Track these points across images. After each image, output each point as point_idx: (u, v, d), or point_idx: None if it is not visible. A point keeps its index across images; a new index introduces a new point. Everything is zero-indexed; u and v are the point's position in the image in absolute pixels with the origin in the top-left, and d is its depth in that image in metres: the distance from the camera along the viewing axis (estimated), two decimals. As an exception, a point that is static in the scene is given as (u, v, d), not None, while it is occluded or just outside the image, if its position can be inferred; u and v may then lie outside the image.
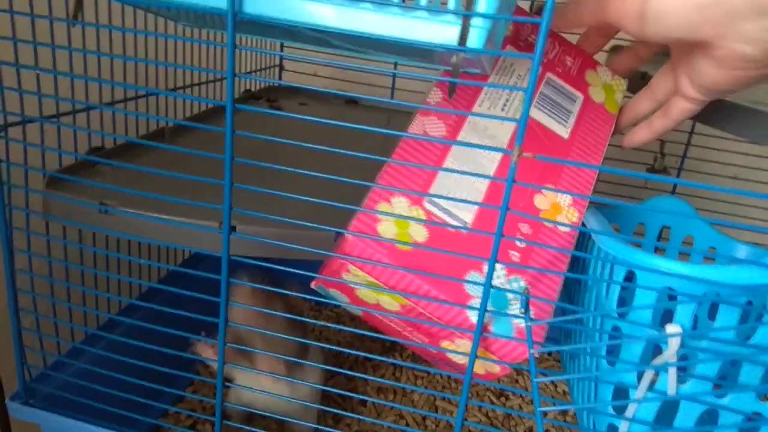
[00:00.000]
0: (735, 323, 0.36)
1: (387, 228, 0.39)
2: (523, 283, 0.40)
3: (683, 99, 0.46)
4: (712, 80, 0.41)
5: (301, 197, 0.37)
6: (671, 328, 0.36)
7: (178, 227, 0.46)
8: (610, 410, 0.40)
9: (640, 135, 0.50)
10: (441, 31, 0.34)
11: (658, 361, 0.37)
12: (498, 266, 0.40)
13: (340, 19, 0.35)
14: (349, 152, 0.39)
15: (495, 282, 0.40)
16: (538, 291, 0.41)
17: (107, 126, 0.58)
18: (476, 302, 0.39)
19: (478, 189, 0.42)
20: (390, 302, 0.40)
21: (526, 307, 0.38)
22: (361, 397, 0.62)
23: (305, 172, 0.38)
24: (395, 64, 0.71)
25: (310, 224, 0.38)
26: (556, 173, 0.45)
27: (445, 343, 0.41)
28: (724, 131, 0.55)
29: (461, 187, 0.42)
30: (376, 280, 0.39)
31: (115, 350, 0.49)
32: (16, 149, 0.45)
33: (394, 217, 0.40)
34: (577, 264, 0.50)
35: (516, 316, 0.39)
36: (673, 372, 0.37)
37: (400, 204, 0.40)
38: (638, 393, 0.38)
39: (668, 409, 0.40)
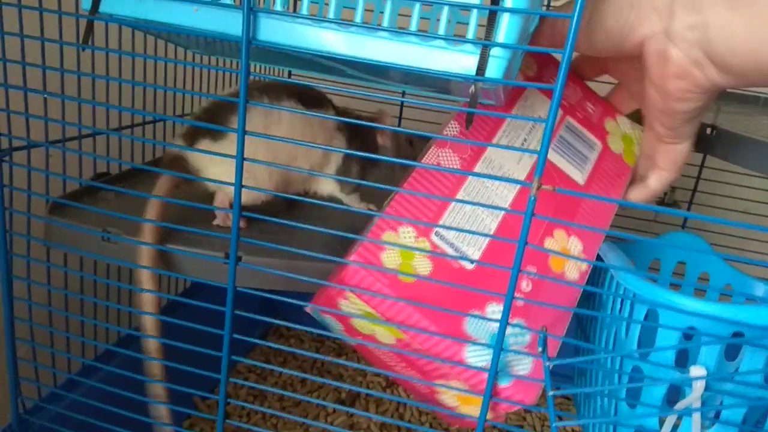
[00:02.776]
0: (761, 365, 0.34)
1: (391, 258, 0.38)
2: (525, 327, 0.39)
3: (660, 141, 0.44)
4: (659, 104, 0.40)
5: (308, 226, 0.36)
6: (696, 371, 0.34)
7: (183, 256, 0.45)
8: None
9: (636, 195, 0.47)
10: (459, 61, 0.33)
11: (682, 405, 0.35)
12: (500, 308, 0.39)
13: (356, 48, 0.34)
14: (357, 181, 0.38)
15: (496, 326, 0.38)
16: (547, 321, 0.39)
17: (113, 151, 0.57)
18: (475, 344, 0.37)
19: (488, 227, 0.41)
20: (385, 335, 0.39)
21: (544, 345, 0.37)
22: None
23: (313, 201, 0.37)
24: (403, 93, 0.70)
25: (316, 254, 0.37)
26: (569, 218, 0.44)
27: (438, 382, 0.39)
28: (728, 161, 0.55)
29: (471, 224, 0.40)
30: (374, 310, 0.38)
31: (112, 383, 0.47)
32: (19, 174, 0.44)
33: (399, 247, 0.38)
34: (593, 300, 0.49)
35: (533, 355, 0.38)
36: (697, 417, 0.35)
37: (407, 234, 0.39)
38: (661, 438, 0.36)
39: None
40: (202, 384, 0.42)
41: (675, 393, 0.37)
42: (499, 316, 0.35)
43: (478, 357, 0.37)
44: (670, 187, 0.87)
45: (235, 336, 0.41)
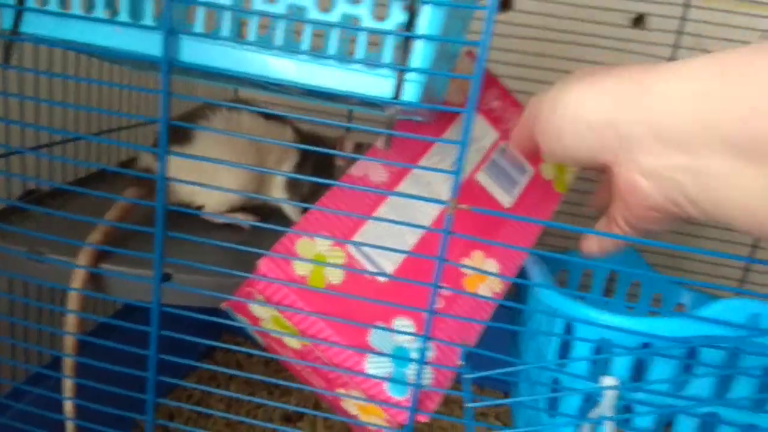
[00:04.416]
0: (670, 375, 0.36)
1: (303, 265, 0.39)
2: (429, 345, 0.40)
3: (614, 224, 0.37)
4: (625, 214, 0.34)
5: (233, 245, 0.36)
6: (607, 381, 0.36)
7: (111, 277, 0.44)
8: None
9: (589, 246, 0.40)
10: (376, 84, 0.34)
11: (595, 414, 0.36)
12: (407, 322, 0.40)
13: (276, 70, 0.35)
14: (279, 200, 0.39)
15: (400, 339, 0.39)
16: (443, 355, 0.41)
17: (44, 170, 0.56)
18: (377, 355, 0.38)
19: (407, 241, 0.42)
20: (291, 340, 0.39)
21: (465, 359, 0.38)
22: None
23: (236, 220, 0.38)
24: (350, 111, 0.71)
25: (240, 273, 0.37)
26: (489, 240, 0.45)
27: (340, 391, 0.40)
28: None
29: (390, 237, 0.41)
30: (280, 315, 0.38)
31: (44, 405, 0.46)
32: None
33: (303, 261, 0.39)
34: (522, 315, 0.50)
35: (455, 369, 0.39)
36: (610, 426, 0.36)
37: (323, 243, 0.40)
38: (577, 447, 0.37)
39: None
40: (136, 406, 0.42)
41: (594, 402, 0.39)
42: (405, 330, 0.36)
43: (378, 368, 0.38)
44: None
45: (166, 357, 0.41)
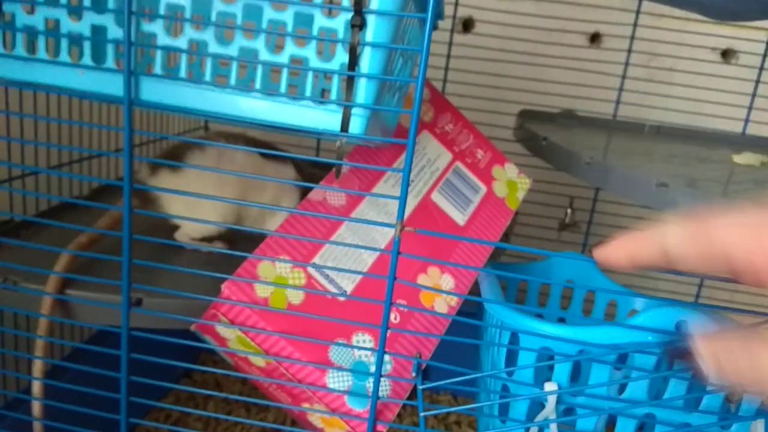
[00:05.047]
0: (606, 379, 0.39)
1: (264, 288, 0.41)
2: (387, 358, 0.42)
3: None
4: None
5: (199, 272, 0.39)
6: (548, 386, 0.39)
7: (81, 304, 0.46)
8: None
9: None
10: (325, 119, 0.36)
11: (540, 417, 0.39)
12: (366, 337, 0.42)
13: (232, 107, 0.37)
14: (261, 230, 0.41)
15: (358, 354, 0.42)
16: (401, 367, 0.43)
17: (17, 202, 0.58)
18: (337, 369, 0.41)
19: (365, 261, 0.44)
20: (256, 359, 0.42)
21: (418, 370, 0.40)
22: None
23: (205, 248, 0.40)
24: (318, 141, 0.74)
25: (205, 297, 0.39)
26: (445, 256, 0.48)
27: (305, 405, 0.42)
28: (605, 190, 0.60)
29: (348, 257, 0.44)
30: (244, 336, 0.40)
31: (22, 430, 0.48)
32: None
33: (265, 284, 0.41)
34: (478, 328, 0.53)
35: (410, 380, 0.41)
36: (554, 428, 0.39)
37: (283, 265, 0.42)
38: (525, 450, 0.40)
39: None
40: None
41: (541, 407, 0.41)
42: (366, 345, 0.38)
43: (339, 382, 0.40)
44: (570, 208, 0.94)
45: (138, 379, 0.43)
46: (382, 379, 0.40)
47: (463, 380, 0.39)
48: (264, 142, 0.57)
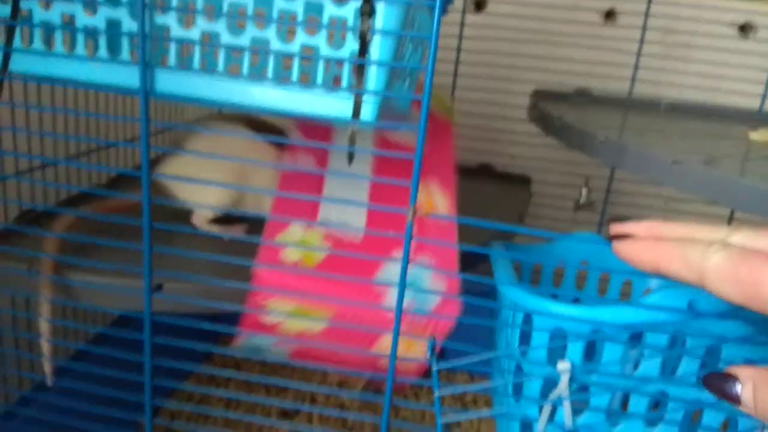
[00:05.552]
0: (619, 357, 0.39)
1: (290, 253, 0.42)
2: (428, 260, 0.44)
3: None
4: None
5: (218, 257, 0.40)
6: (561, 365, 0.39)
7: (103, 290, 0.47)
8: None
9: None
10: (336, 106, 0.37)
11: (553, 395, 0.40)
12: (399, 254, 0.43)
13: (245, 96, 0.38)
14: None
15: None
16: (439, 259, 0.45)
17: (38, 190, 0.60)
18: (392, 294, 0.41)
19: (361, 197, 0.46)
20: (315, 323, 0.42)
21: (432, 351, 0.41)
22: None
23: (218, 234, 0.40)
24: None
25: (226, 282, 0.40)
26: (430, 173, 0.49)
27: (375, 346, 0.43)
28: (620, 168, 0.60)
29: (345, 212, 0.45)
30: (297, 303, 0.41)
31: (50, 410, 0.49)
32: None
33: (298, 247, 0.43)
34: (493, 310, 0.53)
35: (424, 360, 0.42)
36: (567, 405, 0.40)
37: (296, 230, 0.43)
38: (539, 426, 0.41)
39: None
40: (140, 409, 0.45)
41: (554, 387, 0.42)
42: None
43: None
44: (586, 188, 0.94)
45: (161, 363, 0.44)
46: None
47: (479, 361, 0.40)
48: (264, 122, 0.58)
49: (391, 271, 0.43)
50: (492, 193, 0.86)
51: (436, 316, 0.42)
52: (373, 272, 0.43)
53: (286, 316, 0.42)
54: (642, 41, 0.86)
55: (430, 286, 0.43)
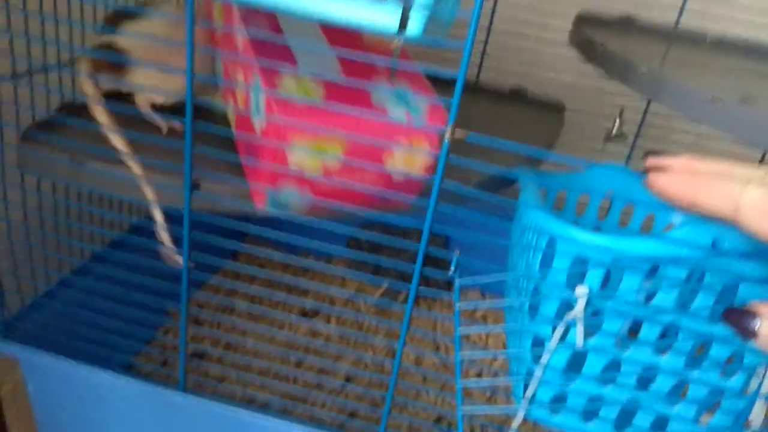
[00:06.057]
0: (636, 287, 0.41)
1: (291, 91, 0.45)
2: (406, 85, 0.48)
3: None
4: None
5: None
6: (580, 290, 0.41)
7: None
8: (528, 358, 0.46)
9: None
10: (382, 17, 0.37)
11: (569, 316, 0.42)
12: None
13: (294, 2, 0.37)
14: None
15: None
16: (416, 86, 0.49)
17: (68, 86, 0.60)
18: (393, 109, 0.46)
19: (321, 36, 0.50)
20: (333, 158, 0.45)
21: (456, 266, 0.43)
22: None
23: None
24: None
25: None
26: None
27: (389, 163, 0.46)
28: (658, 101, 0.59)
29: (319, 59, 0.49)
30: (315, 139, 0.44)
31: (88, 293, 0.53)
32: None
33: (295, 87, 0.45)
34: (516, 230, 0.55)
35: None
36: (580, 327, 0.42)
37: (290, 81, 0.46)
38: (551, 344, 0.43)
39: (579, 360, 0.45)
40: (176, 297, 0.49)
41: (569, 310, 0.44)
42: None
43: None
44: (619, 118, 0.92)
45: (198, 258, 0.46)
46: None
47: (499, 280, 0.41)
48: None
49: (381, 92, 0.46)
50: (523, 118, 0.85)
51: (430, 126, 0.46)
52: (368, 100, 0.46)
53: (306, 153, 0.44)
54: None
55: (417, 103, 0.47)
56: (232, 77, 0.52)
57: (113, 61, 0.52)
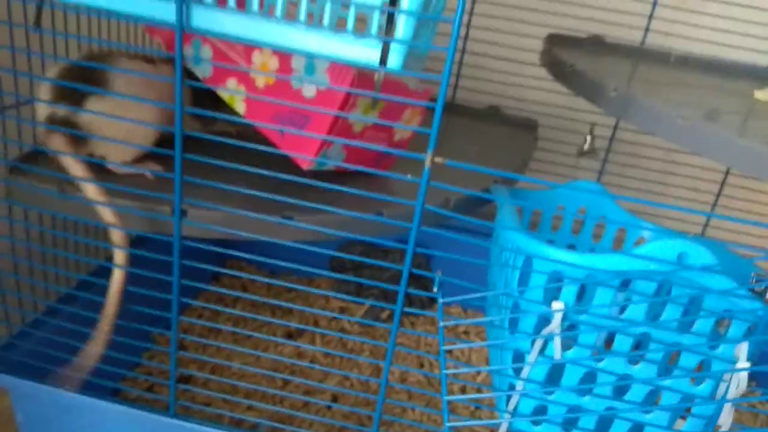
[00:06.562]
0: (609, 301, 0.43)
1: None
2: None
3: None
4: None
5: (243, 190, 0.43)
6: (556, 305, 0.43)
7: (132, 213, 0.50)
8: (510, 371, 0.48)
9: None
10: (365, 52, 0.39)
11: (546, 331, 0.44)
12: None
13: (278, 37, 0.39)
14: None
15: None
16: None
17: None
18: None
19: None
20: (371, 120, 0.53)
21: (439, 287, 0.44)
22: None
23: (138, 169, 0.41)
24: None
25: (251, 214, 0.43)
26: None
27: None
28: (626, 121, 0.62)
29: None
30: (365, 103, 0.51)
31: (75, 321, 0.53)
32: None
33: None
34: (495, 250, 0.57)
35: (432, 295, 0.45)
36: (558, 341, 0.44)
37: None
38: (531, 357, 0.45)
39: (558, 372, 0.47)
40: (159, 322, 0.49)
41: (547, 323, 0.46)
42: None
43: None
44: (591, 135, 0.95)
45: (185, 282, 0.48)
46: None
47: (480, 296, 0.43)
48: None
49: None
50: (498, 136, 0.88)
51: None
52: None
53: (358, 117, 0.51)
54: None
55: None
56: (242, 62, 0.55)
57: (75, 136, 0.51)
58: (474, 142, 0.83)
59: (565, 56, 0.75)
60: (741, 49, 0.85)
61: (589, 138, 0.95)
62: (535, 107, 0.96)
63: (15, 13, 0.48)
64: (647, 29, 0.88)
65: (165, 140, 0.53)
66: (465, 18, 0.89)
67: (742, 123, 0.62)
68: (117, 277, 0.50)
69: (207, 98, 0.57)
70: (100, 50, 0.58)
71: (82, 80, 0.49)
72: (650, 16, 0.87)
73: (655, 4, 0.87)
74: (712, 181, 0.95)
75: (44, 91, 0.51)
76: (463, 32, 0.90)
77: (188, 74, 0.58)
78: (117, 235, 0.49)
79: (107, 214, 0.48)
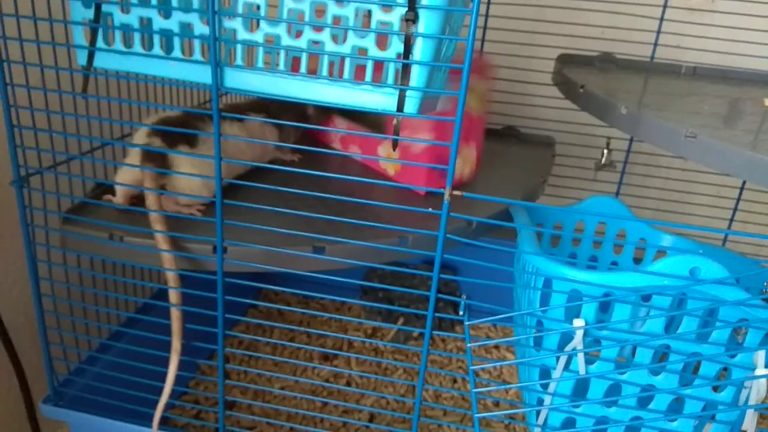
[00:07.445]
0: (627, 317, 0.46)
1: None
2: None
3: None
4: None
5: (282, 230, 0.46)
6: (577, 322, 0.45)
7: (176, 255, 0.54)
8: (538, 387, 0.50)
9: None
10: (382, 100, 0.42)
11: (569, 347, 0.46)
12: None
13: (303, 91, 0.43)
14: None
15: None
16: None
17: (98, 168, 0.66)
18: None
19: None
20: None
21: (465, 310, 0.47)
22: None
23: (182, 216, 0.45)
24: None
25: (289, 251, 0.47)
26: None
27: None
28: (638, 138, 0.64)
29: None
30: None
31: (126, 356, 0.57)
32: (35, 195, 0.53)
33: None
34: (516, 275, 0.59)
35: (458, 318, 0.48)
36: (581, 356, 0.46)
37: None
38: (556, 373, 0.48)
39: (584, 386, 0.49)
40: (201, 353, 0.53)
41: (570, 339, 0.48)
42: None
43: None
44: (607, 149, 0.97)
45: (227, 316, 0.51)
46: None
47: (505, 317, 0.46)
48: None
49: None
50: (517, 155, 0.90)
51: None
52: None
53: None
54: (665, 6, 0.88)
55: None
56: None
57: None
58: (492, 161, 0.86)
59: (577, 76, 0.78)
60: (751, 57, 0.87)
61: (605, 152, 0.97)
62: (550, 125, 0.99)
63: (62, 80, 0.53)
64: (656, 44, 0.90)
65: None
66: (476, 45, 0.92)
67: (755, 134, 0.63)
68: (176, 314, 0.53)
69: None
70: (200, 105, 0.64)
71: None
72: (658, 32, 0.89)
73: (662, 20, 0.89)
74: (733, 186, 0.96)
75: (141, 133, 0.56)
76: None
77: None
78: (172, 277, 0.52)
79: (167, 260, 0.52)
